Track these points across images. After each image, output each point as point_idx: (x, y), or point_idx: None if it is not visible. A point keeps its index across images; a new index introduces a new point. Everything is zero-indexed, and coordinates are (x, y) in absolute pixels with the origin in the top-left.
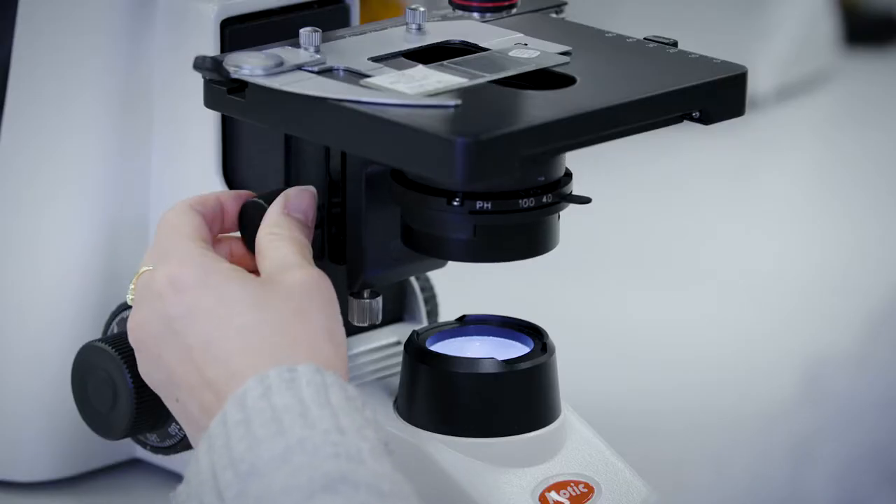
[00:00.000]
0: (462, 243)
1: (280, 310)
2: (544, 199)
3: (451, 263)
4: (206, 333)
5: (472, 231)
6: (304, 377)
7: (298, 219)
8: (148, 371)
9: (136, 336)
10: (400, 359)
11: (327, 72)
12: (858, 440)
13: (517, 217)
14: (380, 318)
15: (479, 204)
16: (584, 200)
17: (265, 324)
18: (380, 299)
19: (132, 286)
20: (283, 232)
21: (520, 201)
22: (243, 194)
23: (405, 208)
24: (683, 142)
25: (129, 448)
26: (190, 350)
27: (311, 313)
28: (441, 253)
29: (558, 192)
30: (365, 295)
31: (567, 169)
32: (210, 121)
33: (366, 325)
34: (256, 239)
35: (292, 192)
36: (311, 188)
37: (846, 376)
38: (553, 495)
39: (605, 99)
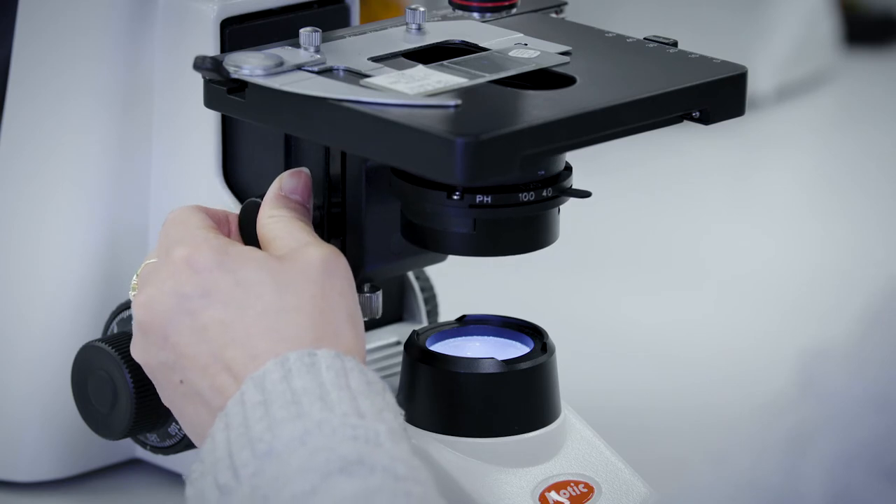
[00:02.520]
0: (462, 237)
1: (301, 293)
2: (544, 193)
3: (451, 263)
4: (224, 314)
5: (472, 225)
6: (324, 361)
7: (296, 199)
8: (148, 353)
9: (143, 316)
10: (400, 359)
11: (327, 72)
12: (854, 436)
13: (517, 211)
14: (380, 312)
15: (478, 198)
16: (584, 194)
17: (287, 307)
18: (380, 294)
19: (134, 281)
20: (283, 213)
21: (520, 195)
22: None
23: (405, 202)
24: (683, 142)
25: (129, 448)
26: (205, 330)
27: (332, 296)
28: (441, 247)
29: (558, 186)
30: (365, 289)
31: (567, 163)
32: (210, 121)
33: (366, 319)
34: (258, 225)
35: (286, 174)
36: (305, 169)
37: (843, 372)
38: (553, 495)
39: (605, 99)
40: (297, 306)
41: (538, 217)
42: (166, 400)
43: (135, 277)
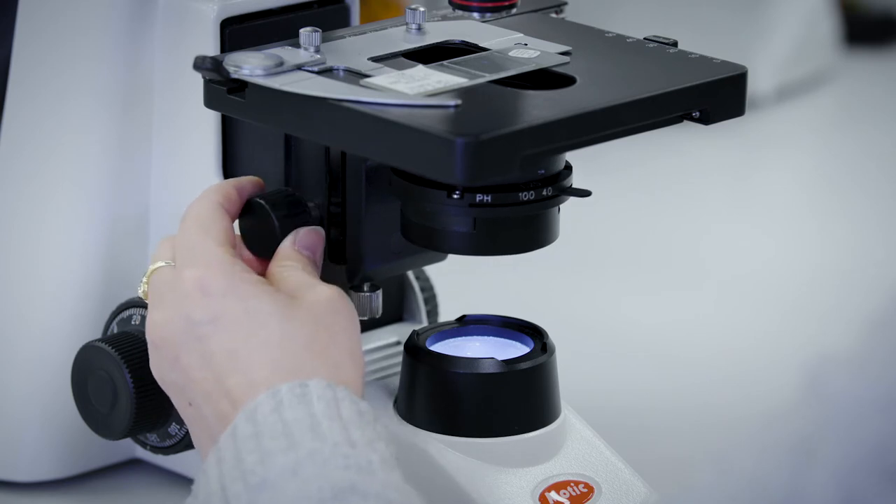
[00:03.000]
0: (462, 236)
1: (306, 325)
2: (544, 192)
3: (451, 262)
4: (230, 342)
5: (471, 224)
6: (316, 392)
7: (307, 256)
8: (162, 371)
9: (156, 335)
10: (400, 359)
11: (327, 72)
12: (859, 439)
13: (517, 210)
14: (380, 311)
15: (478, 197)
16: (584, 193)
17: (290, 338)
18: (380, 293)
19: (144, 280)
20: (294, 264)
21: (520, 194)
22: (250, 184)
23: (405, 201)
24: (683, 142)
25: (129, 448)
26: (211, 356)
27: (335, 331)
28: (441, 246)
29: (558, 185)
30: (365, 288)
31: (567, 162)
32: (210, 121)
33: (365, 318)
34: (268, 272)
35: (302, 231)
36: (320, 229)
37: (847, 376)
38: (553, 495)
39: (605, 99)
40: (300, 337)
41: (538, 216)
42: (182, 417)
43: (144, 279)
